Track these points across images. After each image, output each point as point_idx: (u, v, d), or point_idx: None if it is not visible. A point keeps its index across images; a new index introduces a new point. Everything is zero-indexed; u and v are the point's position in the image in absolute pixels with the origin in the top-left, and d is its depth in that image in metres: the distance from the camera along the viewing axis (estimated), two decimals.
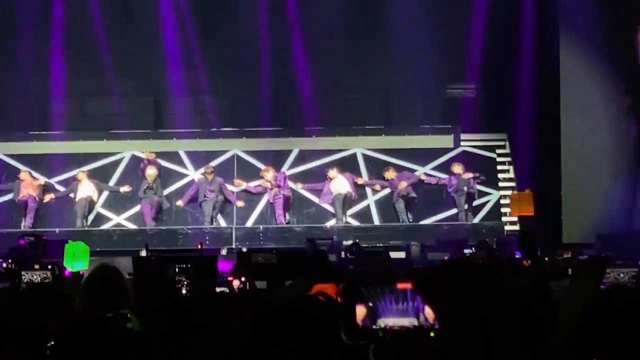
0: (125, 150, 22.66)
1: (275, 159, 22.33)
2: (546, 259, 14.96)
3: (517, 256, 15.39)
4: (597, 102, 21.37)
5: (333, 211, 21.68)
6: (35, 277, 11.85)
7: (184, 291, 7.14)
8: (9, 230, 21.03)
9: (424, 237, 20.18)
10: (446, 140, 22.85)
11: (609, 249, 17.79)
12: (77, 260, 8.91)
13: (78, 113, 23.70)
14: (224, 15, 22.91)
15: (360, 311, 4.03)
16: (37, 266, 12.68)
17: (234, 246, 20.52)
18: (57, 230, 20.88)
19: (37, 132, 23.14)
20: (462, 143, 22.85)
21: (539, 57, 22.22)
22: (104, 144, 22.91)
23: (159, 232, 21.16)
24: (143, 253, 17.75)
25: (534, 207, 20.21)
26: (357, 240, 19.15)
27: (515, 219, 21.44)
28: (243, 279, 8.18)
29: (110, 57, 22.84)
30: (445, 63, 22.51)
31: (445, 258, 15.21)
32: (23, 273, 12.11)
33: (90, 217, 21.79)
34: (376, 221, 21.92)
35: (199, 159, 22.39)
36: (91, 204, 21.69)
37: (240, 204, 21.77)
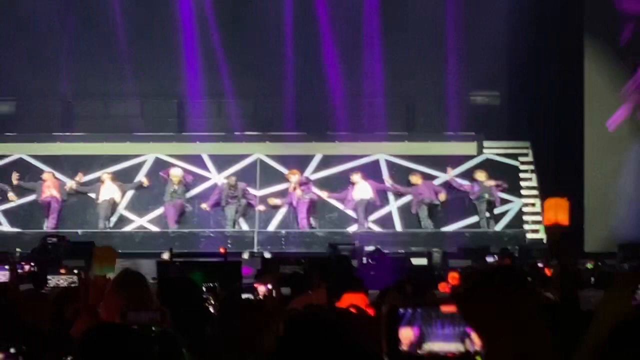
0: (148, 152, 22.72)
1: (298, 163, 22.32)
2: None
3: (539, 265, 15.32)
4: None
5: (355, 216, 21.67)
6: (61, 281, 11.90)
7: (211, 309, 7.08)
8: (31, 230, 21.12)
9: (446, 244, 20.16)
10: (469, 148, 22.83)
11: (631, 259, 17.71)
12: (105, 265, 8.95)
13: (101, 115, 23.78)
14: (247, 18, 22.95)
15: (406, 335, 3.98)
16: (62, 270, 12.73)
17: (255, 250, 20.52)
18: (79, 231, 20.95)
19: (60, 134, 23.25)
20: (485, 150, 22.82)
21: (563, 65, 22.15)
22: (127, 146, 22.98)
23: (180, 234, 21.19)
24: (165, 255, 17.70)
25: (569, 215, 19.51)
26: (379, 246, 19.13)
27: (537, 227, 21.33)
28: (269, 286, 8.14)
29: (134, 60, 22.93)
30: (470, 70, 22.50)
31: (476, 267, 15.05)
32: (49, 277, 12.16)
33: (113, 219, 21.85)
34: (398, 227, 21.90)
35: (222, 162, 22.42)
36: (114, 205, 21.72)
37: (261, 208, 21.79)
